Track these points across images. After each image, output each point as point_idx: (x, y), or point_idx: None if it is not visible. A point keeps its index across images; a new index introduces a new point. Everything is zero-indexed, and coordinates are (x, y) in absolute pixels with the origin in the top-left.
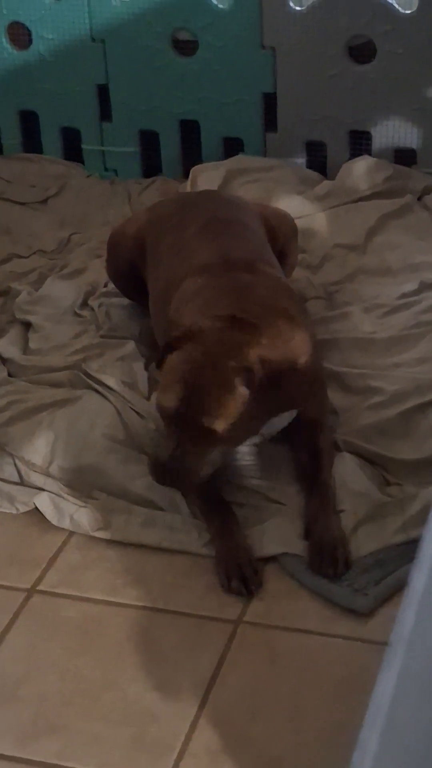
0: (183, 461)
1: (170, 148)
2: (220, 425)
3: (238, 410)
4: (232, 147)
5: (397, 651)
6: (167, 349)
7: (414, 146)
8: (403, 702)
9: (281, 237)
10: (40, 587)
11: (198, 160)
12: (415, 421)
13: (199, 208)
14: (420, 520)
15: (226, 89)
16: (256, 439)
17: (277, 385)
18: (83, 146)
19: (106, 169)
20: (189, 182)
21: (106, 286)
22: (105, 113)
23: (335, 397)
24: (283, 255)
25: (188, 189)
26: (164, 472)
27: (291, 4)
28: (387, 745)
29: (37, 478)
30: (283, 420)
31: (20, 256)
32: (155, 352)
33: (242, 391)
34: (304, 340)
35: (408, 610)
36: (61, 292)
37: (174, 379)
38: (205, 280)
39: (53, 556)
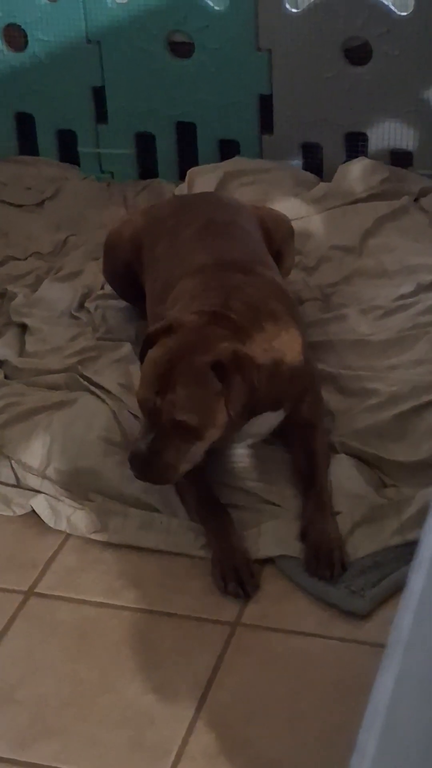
0: (161, 455)
1: (166, 150)
2: (194, 419)
3: (212, 405)
4: (229, 149)
5: (395, 653)
6: (147, 342)
7: (410, 148)
8: (401, 704)
9: (278, 239)
10: (37, 590)
11: (194, 162)
12: (412, 423)
13: (196, 210)
14: (417, 522)
15: (222, 91)
16: (249, 441)
17: (258, 382)
18: (79, 148)
19: (102, 172)
20: (186, 184)
21: (102, 288)
22: (101, 115)
23: (331, 399)
24: (279, 257)
25: (186, 191)
26: (142, 466)
27: (287, 5)
28: (385, 748)
29: (33, 481)
30: (269, 420)
31: (16, 259)
32: None
33: (215, 385)
34: (291, 339)
35: (406, 612)
36: (58, 294)
37: (151, 373)
38: (200, 279)
39: (50, 558)
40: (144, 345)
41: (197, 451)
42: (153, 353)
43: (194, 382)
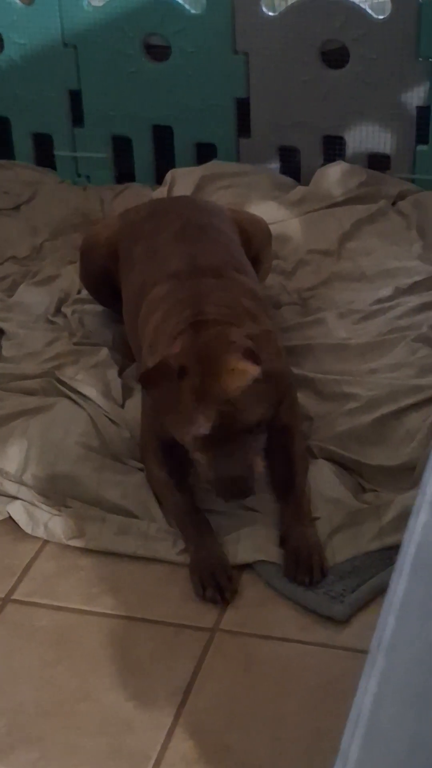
0: (251, 467)
1: (143, 153)
2: (259, 412)
3: (262, 388)
4: (206, 152)
5: (377, 657)
6: (148, 387)
7: (388, 152)
8: (384, 708)
9: (255, 242)
10: (15, 596)
11: (171, 165)
12: (391, 427)
13: (172, 214)
14: (396, 526)
15: (199, 94)
16: None
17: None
18: (55, 152)
19: (78, 175)
20: (167, 187)
21: (79, 292)
22: (77, 119)
23: (310, 403)
24: (257, 260)
25: (165, 192)
26: (237, 488)
27: (264, 9)
28: (369, 753)
29: (10, 487)
30: None
31: None
32: (129, 359)
33: (254, 370)
34: (268, 341)
35: (388, 615)
36: (34, 298)
37: (196, 403)
38: (172, 286)
39: (27, 565)
40: (147, 390)
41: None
42: (184, 388)
43: (240, 381)
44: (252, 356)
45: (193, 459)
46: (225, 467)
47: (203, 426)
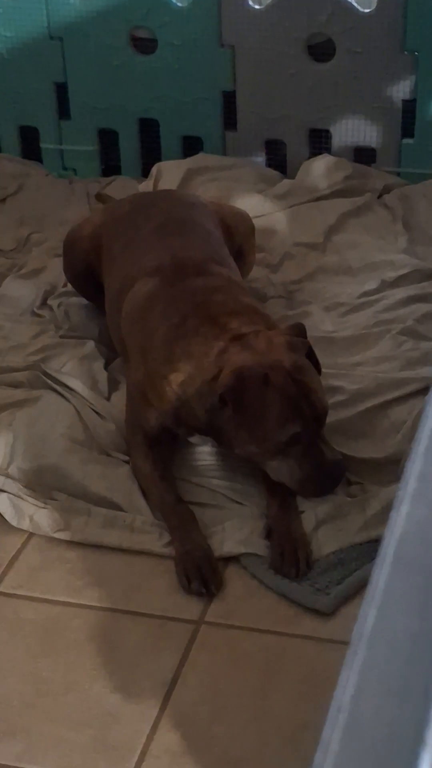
0: (337, 451)
1: (129, 146)
2: (326, 401)
3: (320, 384)
4: (192, 145)
5: (358, 648)
6: (236, 400)
7: (373, 145)
8: (365, 699)
9: (238, 236)
10: (0, 589)
11: (157, 158)
12: (376, 420)
13: (154, 208)
14: (381, 519)
15: (185, 87)
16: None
17: None
18: (42, 145)
19: (64, 168)
20: (153, 180)
21: (65, 285)
22: (63, 112)
23: None
24: (240, 254)
25: (151, 185)
26: (335, 476)
27: (250, 2)
28: (349, 743)
29: None
30: None
31: None
32: (114, 353)
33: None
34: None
35: (369, 607)
36: (20, 291)
37: (279, 413)
38: (156, 283)
39: (12, 557)
40: (236, 400)
41: None
42: (269, 394)
43: (312, 373)
44: (303, 349)
45: (268, 468)
46: (318, 460)
47: (296, 424)
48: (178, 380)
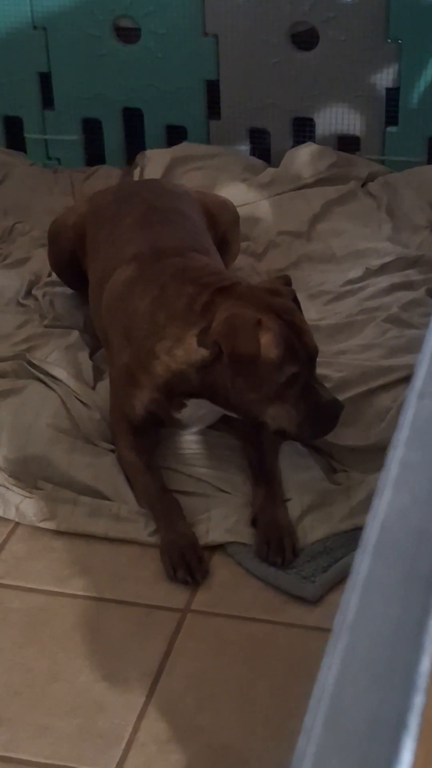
0: (334, 395)
1: (113, 136)
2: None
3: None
4: (176, 135)
5: (340, 635)
6: (231, 345)
7: (357, 133)
8: (347, 686)
9: (222, 225)
10: None
11: (141, 148)
12: (361, 408)
13: (137, 197)
14: (366, 506)
15: (168, 77)
16: (197, 427)
17: None
18: (25, 135)
19: (49, 158)
20: (138, 169)
21: (50, 275)
22: (47, 101)
23: None
24: (224, 243)
25: (136, 176)
26: (334, 413)
27: None
28: (331, 730)
29: None
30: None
31: None
32: (99, 342)
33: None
34: None
35: (352, 594)
36: (5, 281)
37: (275, 356)
38: (134, 268)
39: None
40: (232, 345)
41: None
42: (265, 332)
43: (301, 315)
44: (288, 295)
45: (264, 418)
46: (315, 400)
47: (293, 364)
48: (165, 348)
